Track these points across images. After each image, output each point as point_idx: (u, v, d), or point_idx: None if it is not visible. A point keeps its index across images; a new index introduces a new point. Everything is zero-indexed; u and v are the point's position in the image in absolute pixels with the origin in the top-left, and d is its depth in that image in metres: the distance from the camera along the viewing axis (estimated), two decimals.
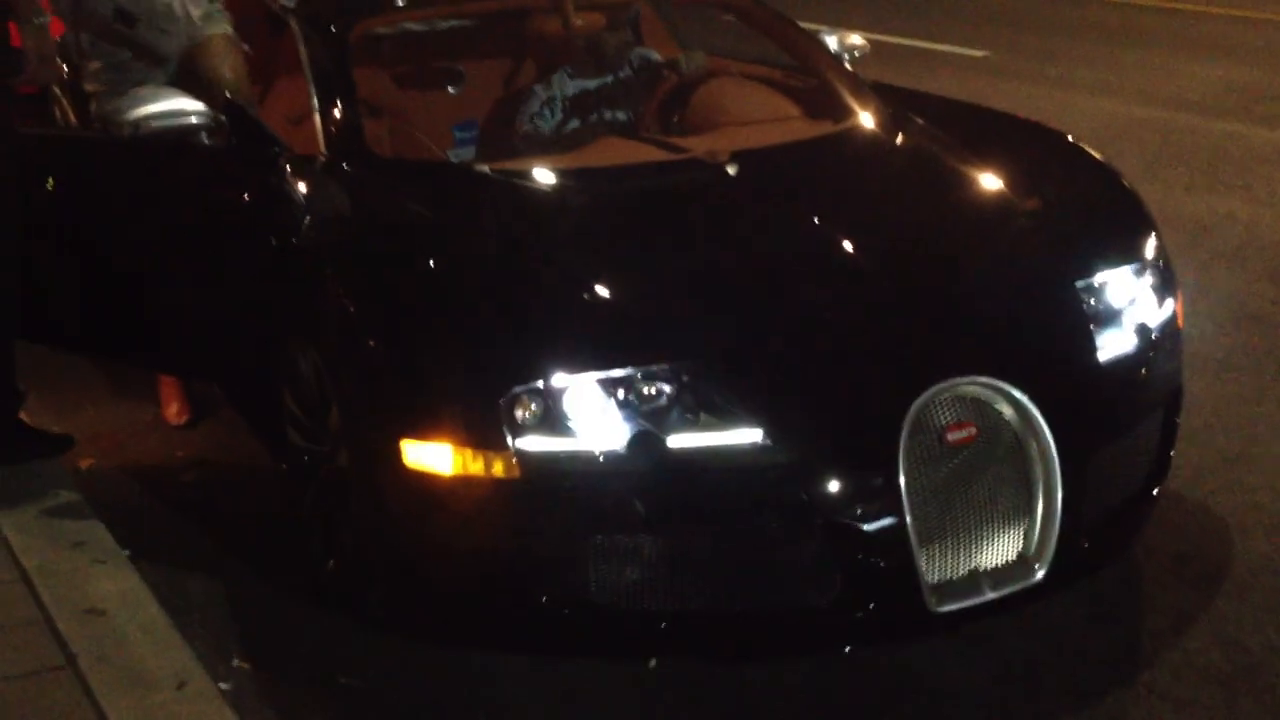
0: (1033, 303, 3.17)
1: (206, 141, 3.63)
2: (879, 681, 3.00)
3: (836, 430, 2.84)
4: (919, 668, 3.03)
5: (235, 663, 3.02)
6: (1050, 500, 2.89)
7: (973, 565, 2.87)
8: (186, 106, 3.57)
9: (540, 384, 2.73)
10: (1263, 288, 5.35)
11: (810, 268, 3.14)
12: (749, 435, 2.77)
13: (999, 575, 2.88)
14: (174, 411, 4.16)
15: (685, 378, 2.80)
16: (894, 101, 4.09)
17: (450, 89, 4.42)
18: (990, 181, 3.56)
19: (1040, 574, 2.90)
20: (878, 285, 3.10)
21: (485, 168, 3.49)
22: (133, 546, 3.37)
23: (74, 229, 3.91)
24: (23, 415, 3.78)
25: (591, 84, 4.15)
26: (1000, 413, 2.90)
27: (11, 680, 2.81)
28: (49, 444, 3.73)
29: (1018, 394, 2.88)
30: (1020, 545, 2.92)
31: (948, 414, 2.85)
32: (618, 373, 2.78)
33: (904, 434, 2.78)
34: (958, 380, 2.87)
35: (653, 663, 3.01)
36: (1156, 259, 3.41)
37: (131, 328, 3.90)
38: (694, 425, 2.78)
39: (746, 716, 2.94)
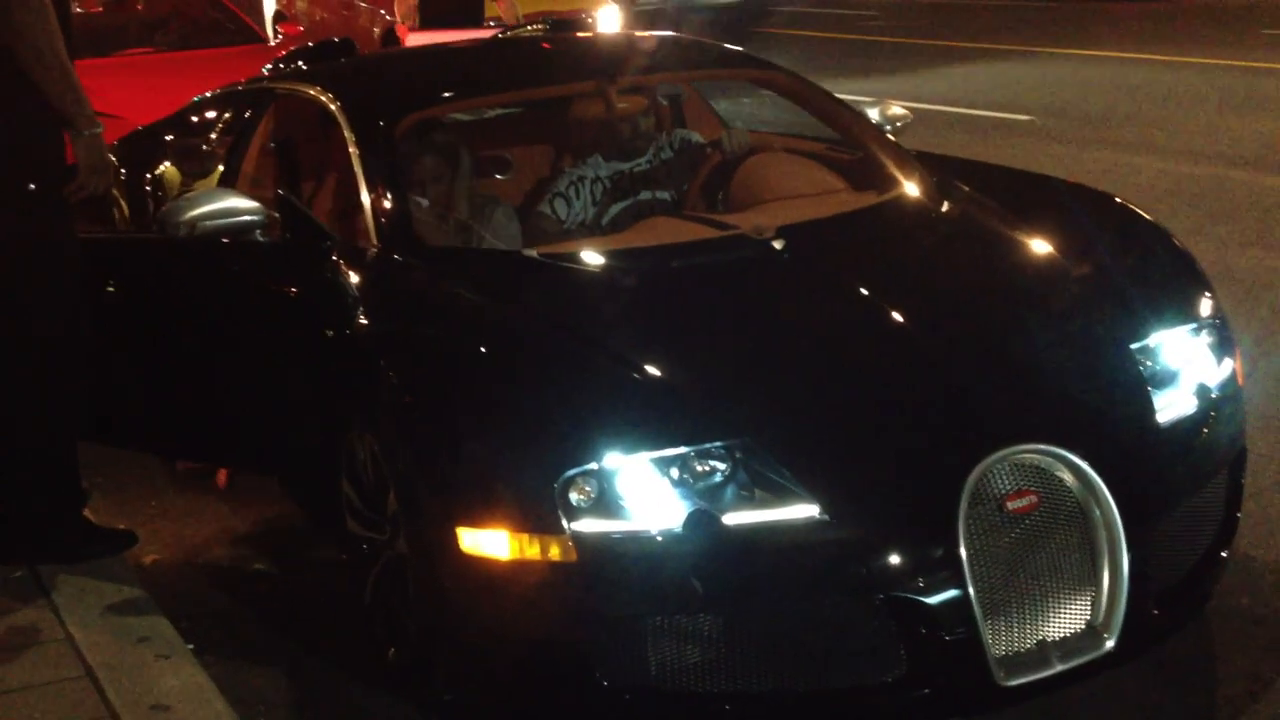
0: (1089, 367, 3.14)
1: (260, 238, 3.69)
2: None
3: (894, 503, 2.81)
4: None
5: None
6: (1116, 567, 2.84)
7: (1040, 636, 2.83)
8: (239, 205, 3.64)
9: (594, 466, 2.73)
10: None
11: (861, 340, 3.13)
12: (805, 511, 2.75)
13: (1067, 646, 2.83)
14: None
15: (739, 455, 2.79)
16: (938, 169, 4.10)
17: (498, 176, 4.49)
18: (1040, 246, 3.55)
19: (1110, 643, 2.84)
20: (930, 355, 3.08)
21: (533, 252, 3.52)
22: (197, 641, 3.39)
23: (133, 329, 3.98)
24: (87, 513, 3.82)
25: (627, 166, 4.20)
26: (1061, 480, 2.86)
27: None
28: (112, 541, 3.77)
29: (1077, 460, 2.85)
30: (1088, 614, 2.86)
31: (1007, 483, 2.82)
32: (671, 452, 2.77)
33: (963, 504, 2.75)
34: (1016, 448, 2.84)
35: None
36: (1212, 318, 3.38)
37: (191, 424, 3.95)
38: (750, 503, 2.77)
39: None
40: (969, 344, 3.14)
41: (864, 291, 3.28)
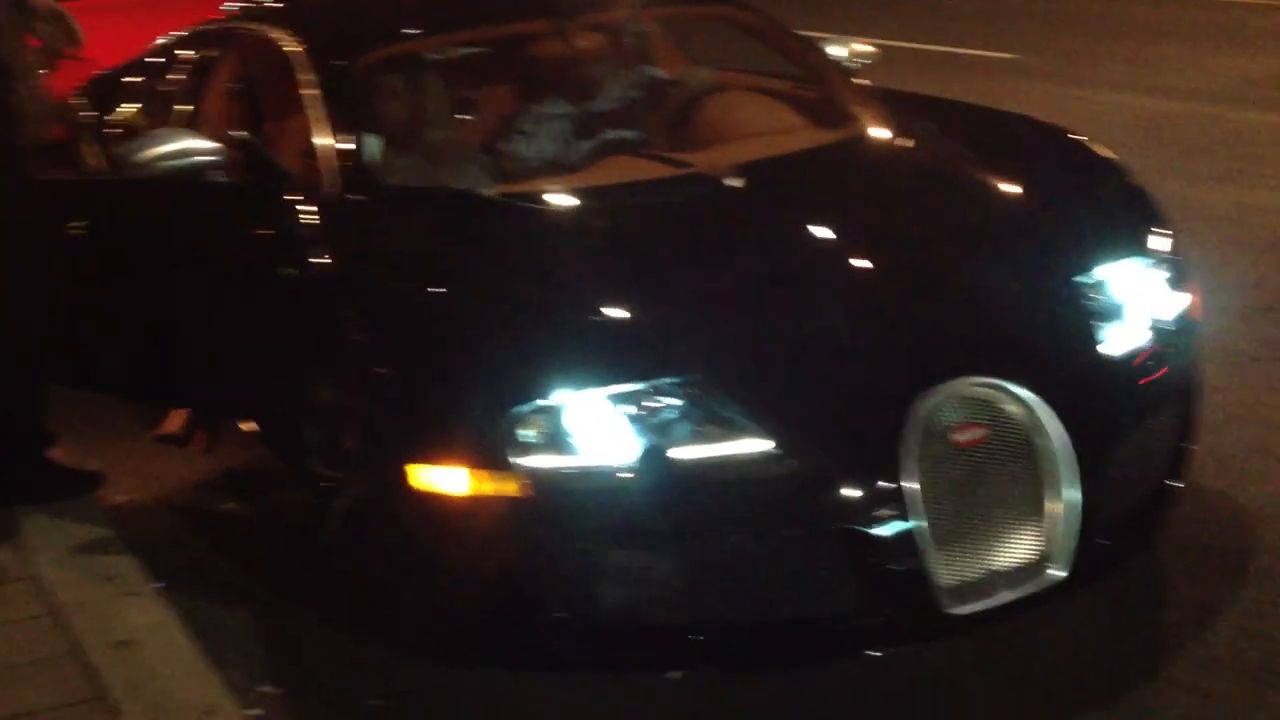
0: (1037, 301, 3.17)
1: (220, 179, 3.69)
2: (898, 685, 3.00)
3: (843, 436, 2.85)
4: (939, 669, 3.03)
5: (265, 688, 3.06)
6: (1065, 499, 2.88)
7: (989, 567, 2.87)
8: (197, 145, 3.63)
9: (545, 402, 2.75)
10: None
11: (811, 276, 3.16)
12: (756, 445, 2.78)
13: (1016, 576, 2.88)
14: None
15: (692, 390, 2.82)
16: (900, 106, 4.10)
17: (462, 116, 4.47)
18: (993, 181, 3.57)
19: (1059, 573, 2.88)
20: (879, 291, 3.11)
21: (490, 191, 3.53)
22: (165, 578, 3.42)
23: (98, 271, 3.99)
24: (56, 453, 3.85)
25: (591, 105, 4.19)
26: (1008, 412, 2.89)
27: (44, 713, 2.86)
28: (80, 481, 3.80)
29: (1024, 392, 2.88)
30: (1039, 545, 2.90)
31: (955, 415, 2.86)
32: (623, 388, 2.79)
33: (911, 437, 2.78)
34: (962, 381, 2.88)
35: (677, 675, 3.03)
36: (1166, 251, 3.39)
37: (155, 366, 3.97)
38: (702, 438, 2.79)
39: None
40: (918, 279, 3.16)
41: (816, 228, 3.30)
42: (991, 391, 2.89)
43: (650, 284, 3.08)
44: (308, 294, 3.27)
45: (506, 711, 3.01)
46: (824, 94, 4.16)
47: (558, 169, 3.96)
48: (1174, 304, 3.32)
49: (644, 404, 2.80)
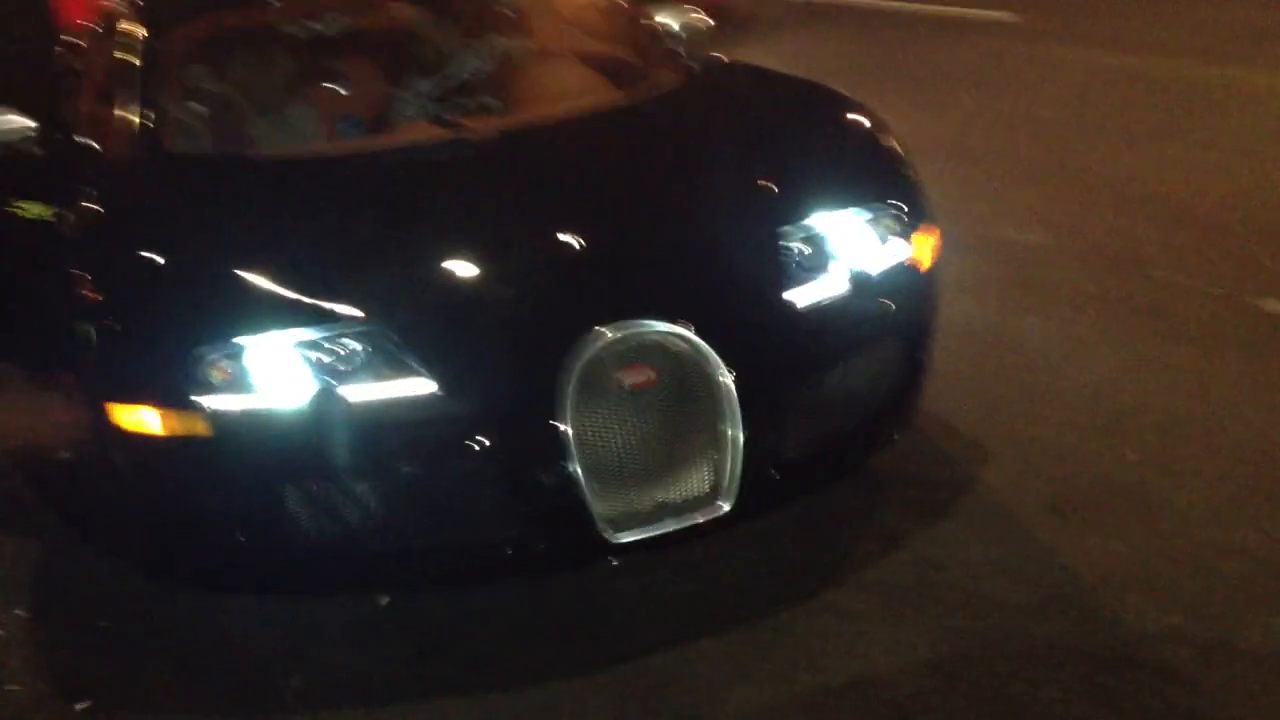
0: (723, 250, 3.28)
1: (38, 152, 3.98)
2: (588, 599, 3.24)
3: (503, 383, 3.02)
4: (626, 588, 3.26)
5: (16, 612, 3.39)
6: (733, 436, 3.03)
7: (657, 499, 3.04)
8: (10, 123, 3.93)
9: (229, 345, 2.97)
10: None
11: (512, 233, 3.31)
12: (429, 388, 2.97)
13: (683, 507, 3.05)
14: None
15: (369, 337, 3.01)
16: (705, 73, 4.24)
17: (334, 88, 4.71)
18: (741, 141, 3.69)
19: (725, 506, 3.05)
20: (567, 246, 3.24)
21: (262, 155, 3.76)
22: None
23: None
24: None
25: (446, 78, 4.40)
26: (680, 355, 3.04)
27: None
28: None
29: (690, 335, 3.03)
30: (710, 479, 3.07)
31: (622, 358, 3.01)
32: (303, 333, 3.00)
33: (572, 379, 2.95)
34: (628, 325, 3.02)
35: (384, 600, 3.29)
36: (895, 200, 3.47)
37: None
38: (376, 380, 2.98)
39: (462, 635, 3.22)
40: (608, 235, 3.30)
41: (538, 189, 3.48)
42: (659, 335, 3.04)
43: (354, 239, 3.28)
44: (66, 255, 3.54)
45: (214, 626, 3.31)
46: (625, 59, 4.32)
47: (363, 135, 4.18)
48: (890, 251, 3.41)
49: (323, 348, 3.01)
